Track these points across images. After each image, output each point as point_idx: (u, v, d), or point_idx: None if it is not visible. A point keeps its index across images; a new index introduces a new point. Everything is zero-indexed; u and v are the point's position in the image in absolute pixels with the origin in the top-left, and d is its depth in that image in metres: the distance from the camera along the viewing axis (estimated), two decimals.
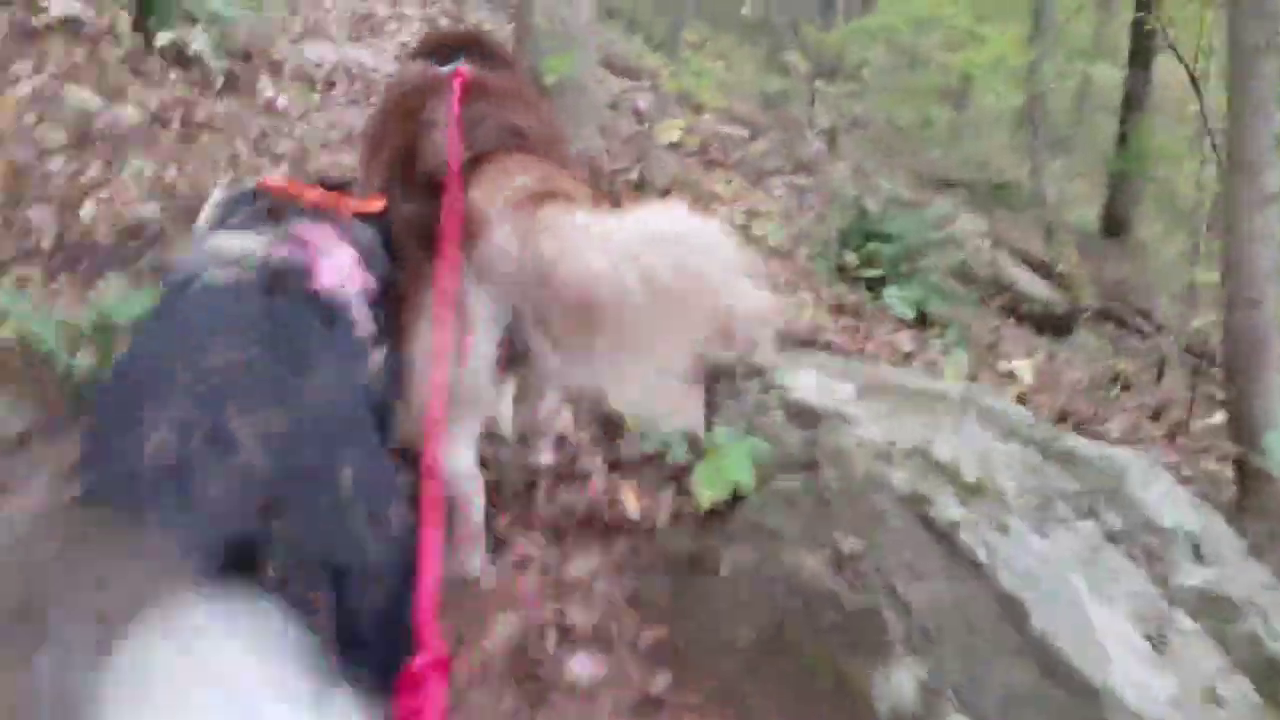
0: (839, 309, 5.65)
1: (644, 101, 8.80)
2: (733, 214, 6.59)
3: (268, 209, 1.77)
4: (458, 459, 2.15)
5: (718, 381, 2.71)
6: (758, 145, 8.78)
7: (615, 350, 1.84)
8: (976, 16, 12.60)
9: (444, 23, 8.21)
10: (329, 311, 1.52)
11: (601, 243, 1.76)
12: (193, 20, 5.35)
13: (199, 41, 5.09)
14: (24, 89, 3.80)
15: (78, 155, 3.56)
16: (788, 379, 2.52)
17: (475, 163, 2.05)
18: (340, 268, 1.65)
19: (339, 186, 2.04)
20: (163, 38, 4.96)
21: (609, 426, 2.97)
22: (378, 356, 1.60)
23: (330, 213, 1.83)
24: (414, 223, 2.03)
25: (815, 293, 5.80)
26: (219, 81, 5.10)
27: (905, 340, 5.41)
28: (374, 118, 2.75)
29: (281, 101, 5.25)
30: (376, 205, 1.99)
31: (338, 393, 1.34)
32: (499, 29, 8.76)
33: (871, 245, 6.32)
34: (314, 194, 1.89)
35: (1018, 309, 7.62)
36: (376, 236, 1.91)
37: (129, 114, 4.12)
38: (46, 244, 3.06)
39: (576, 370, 2.00)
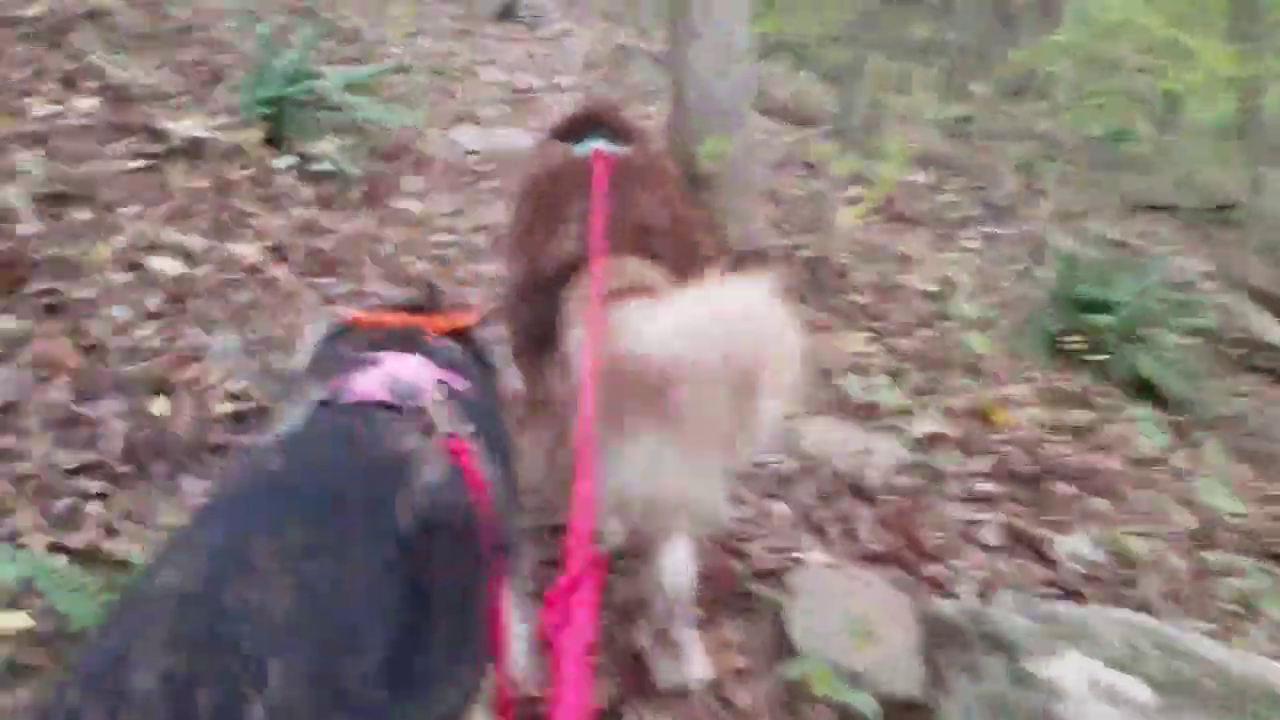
0: (1056, 398, 4.66)
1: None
2: (922, 283, 5.67)
3: (353, 344, 1.66)
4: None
5: (945, 644, 1.88)
6: (946, 193, 7.79)
7: (671, 439, 1.78)
8: (1174, 19, 11.16)
9: (601, 89, 7.59)
10: (370, 420, 1.36)
11: (655, 331, 1.71)
12: (334, 129, 4.87)
13: (334, 153, 4.58)
14: (123, 237, 3.31)
15: (171, 321, 3.02)
16: (1045, 666, 1.66)
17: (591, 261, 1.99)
18: (390, 373, 1.49)
19: (426, 308, 1.92)
20: (293, 155, 4.47)
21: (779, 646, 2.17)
22: (458, 447, 1.38)
23: (413, 334, 1.71)
24: (537, 320, 2.06)
25: (1026, 377, 4.83)
26: (355, 192, 4.58)
27: (1144, 440, 4.37)
28: (514, 213, 2.65)
29: (419, 209, 4.68)
30: (466, 320, 1.89)
31: (286, 588, 1.01)
32: (659, 90, 8.09)
33: (1090, 316, 5.27)
34: (397, 319, 1.78)
35: (1267, 366, 6.35)
36: (473, 345, 1.84)
37: (243, 252, 3.60)
38: (115, 447, 2.51)
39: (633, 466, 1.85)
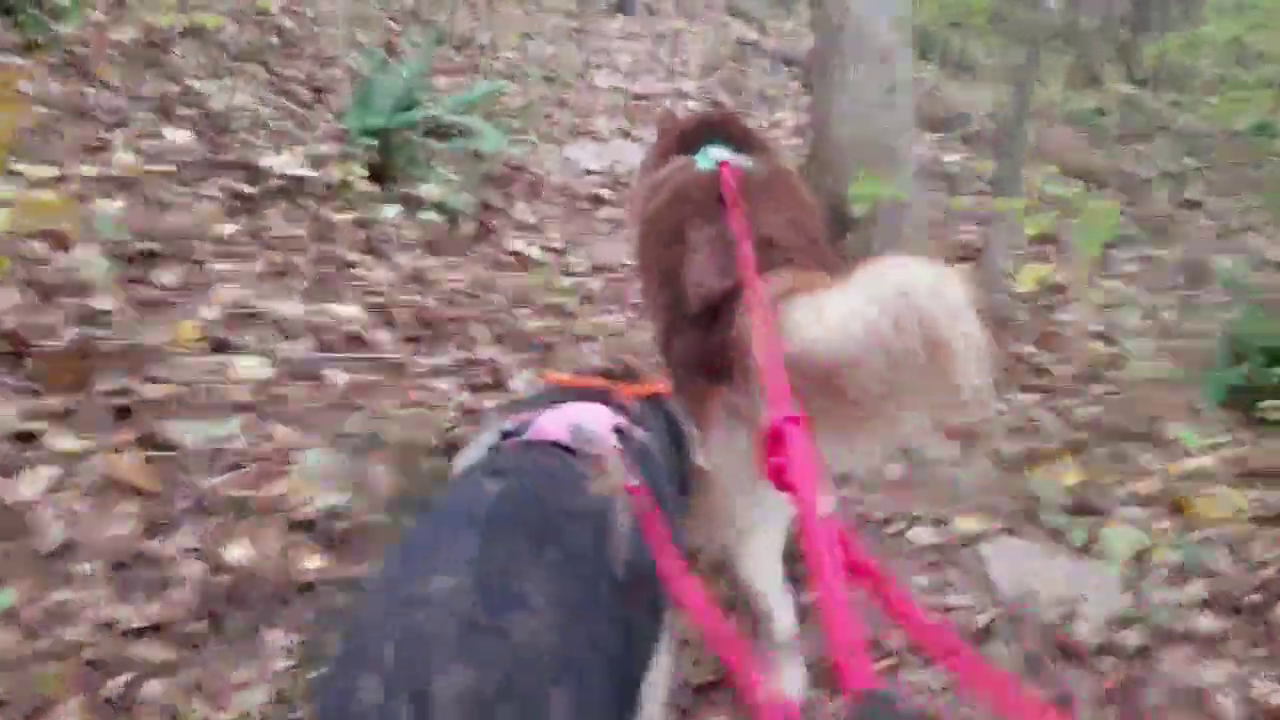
0: (1253, 472, 3.96)
1: (952, 159, 7.25)
2: (1084, 321, 4.99)
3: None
4: (758, 574, 2.00)
5: None
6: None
7: (858, 418, 1.65)
8: None
9: (723, 96, 6.99)
10: (558, 461, 1.33)
11: (830, 311, 1.61)
12: (443, 156, 4.41)
13: (443, 186, 4.11)
14: (211, 309, 2.87)
15: (260, 415, 2.57)
16: None
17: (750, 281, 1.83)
18: (571, 417, 1.43)
19: (620, 376, 1.79)
20: (400, 192, 4.01)
21: None
22: (631, 497, 1.30)
23: (602, 393, 1.62)
24: (691, 348, 1.94)
25: (1212, 444, 4.13)
26: (465, 228, 4.10)
27: None
28: (642, 238, 2.44)
29: (534, 249, 4.18)
30: (660, 387, 1.80)
31: (553, 616, 1.03)
32: (784, 91, 7.46)
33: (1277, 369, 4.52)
34: (595, 381, 1.71)
35: None
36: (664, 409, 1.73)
37: (343, 315, 3.14)
38: (186, 597, 2.06)
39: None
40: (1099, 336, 4.84)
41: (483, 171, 4.61)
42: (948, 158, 7.16)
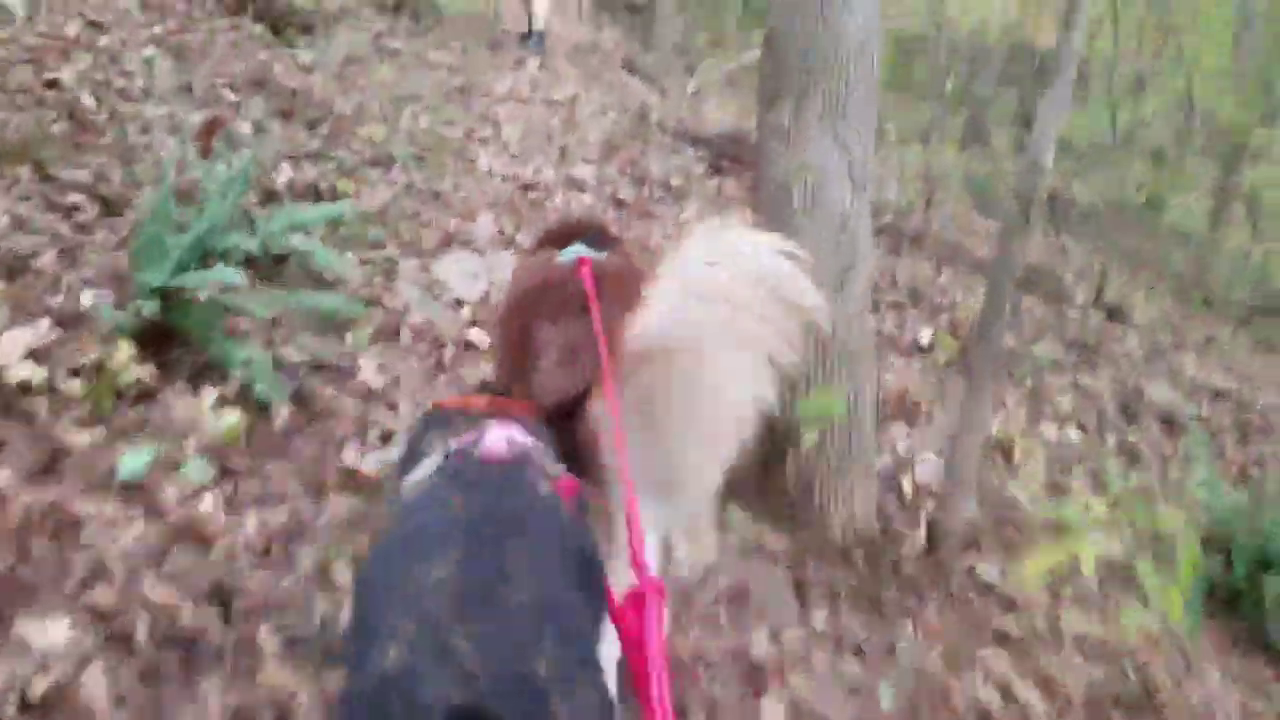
0: None
1: None
2: (1033, 500, 4.05)
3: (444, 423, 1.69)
4: None
5: None
6: (1021, 321, 6.11)
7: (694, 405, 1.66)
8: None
9: (624, 187, 5.84)
10: (510, 471, 1.46)
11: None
12: (265, 326, 3.17)
13: (251, 371, 2.88)
14: None
15: None
16: None
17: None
18: (505, 434, 1.54)
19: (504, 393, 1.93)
20: (182, 383, 2.77)
21: None
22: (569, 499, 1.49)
23: (499, 412, 1.71)
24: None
25: (1209, 696, 3.22)
26: (276, 423, 2.88)
27: None
28: (499, 323, 2.34)
29: (374, 454, 2.97)
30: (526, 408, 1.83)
31: (532, 577, 1.19)
32: (689, 178, 6.37)
33: (1269, 577, 3.65)
34: (481, 402, 1.79)
35: None
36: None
37: (47, 649, 1.91)
38: None
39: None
40: (1056, 530, 3.89)
41: (318, 319, 3.38)
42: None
